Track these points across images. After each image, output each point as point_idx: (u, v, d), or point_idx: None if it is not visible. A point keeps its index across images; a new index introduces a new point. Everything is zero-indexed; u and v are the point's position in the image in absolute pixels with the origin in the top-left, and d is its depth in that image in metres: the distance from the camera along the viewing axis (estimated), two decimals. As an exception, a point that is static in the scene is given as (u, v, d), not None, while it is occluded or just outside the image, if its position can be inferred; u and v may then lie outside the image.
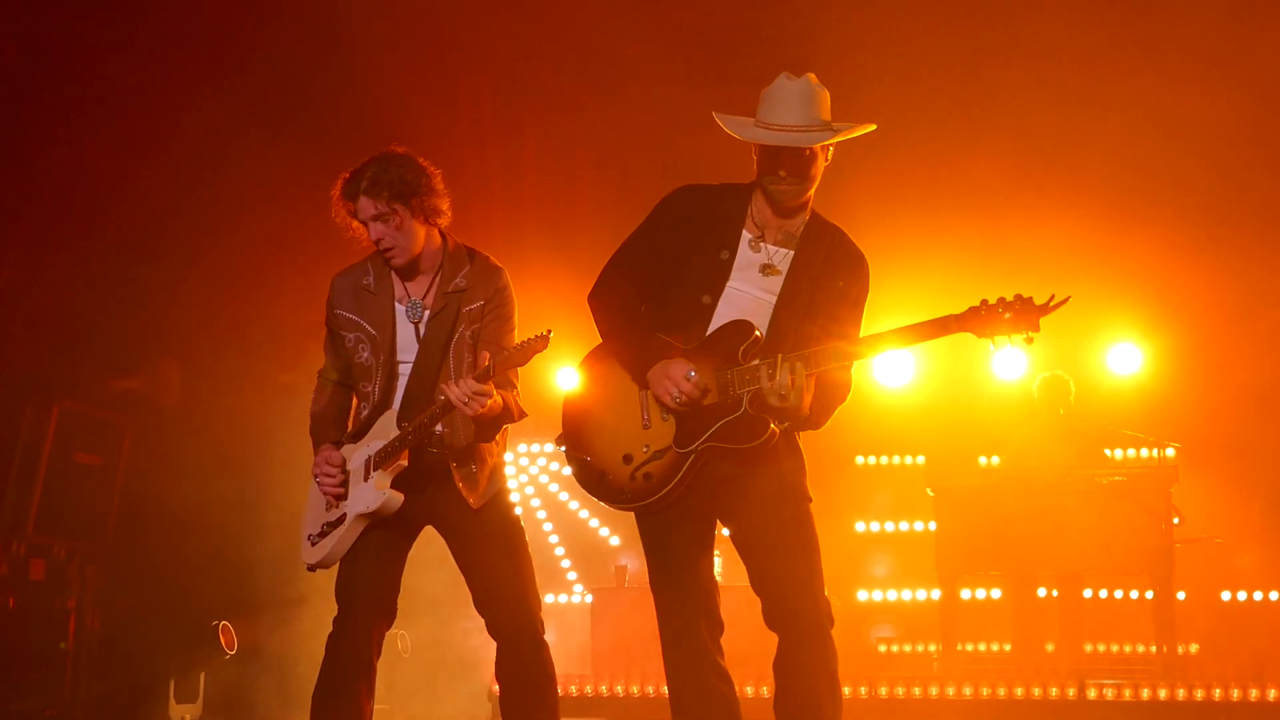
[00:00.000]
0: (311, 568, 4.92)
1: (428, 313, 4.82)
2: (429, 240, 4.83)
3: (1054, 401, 9.07)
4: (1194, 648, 9.00)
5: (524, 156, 10.57)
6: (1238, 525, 9.31)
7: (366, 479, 4.76)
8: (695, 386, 4.23)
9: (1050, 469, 8.58)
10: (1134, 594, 9.50)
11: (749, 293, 4.38)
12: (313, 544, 4.89)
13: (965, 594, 9.34)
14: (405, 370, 4.84)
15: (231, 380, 8.90)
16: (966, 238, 9.23)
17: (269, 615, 8.46)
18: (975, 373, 10.07)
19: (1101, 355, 9.99)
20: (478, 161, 10.17)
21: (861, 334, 4.40)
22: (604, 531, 10.14)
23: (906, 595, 9.94)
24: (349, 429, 4.92)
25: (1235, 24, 8.95)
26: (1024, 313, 4.03)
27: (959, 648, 8.89)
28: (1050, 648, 8.80)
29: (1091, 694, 7.61)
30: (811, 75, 4.34)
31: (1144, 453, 9.69)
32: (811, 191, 4.41)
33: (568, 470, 10.08)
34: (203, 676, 8.29)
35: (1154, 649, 8.49)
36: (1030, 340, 4.04)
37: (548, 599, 9.50)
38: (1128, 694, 7.60)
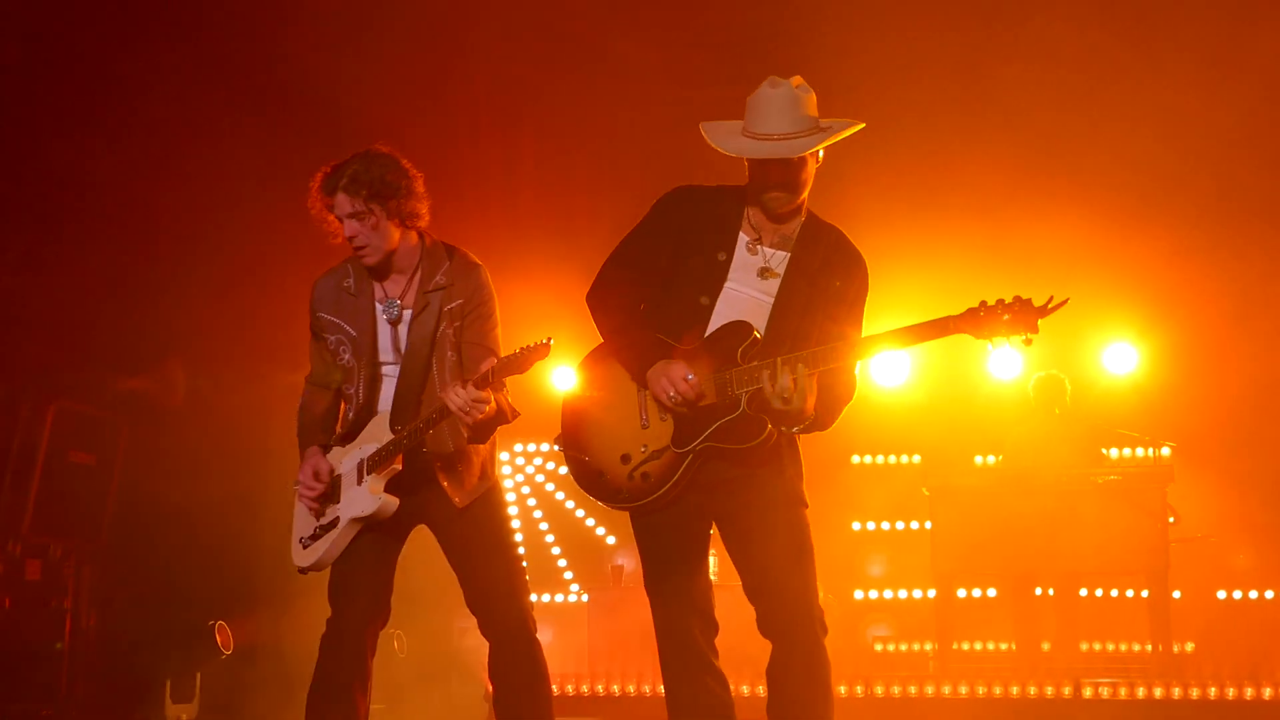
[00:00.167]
0: (303, 570, 4.91)
1: (408, 312, 4.81)
2: (405, 240, 4.81)
3: (1050, 401, 9.07)
4: (1189, 646, 9.00)
5: (522, 156, 10.57)
6: (1233, 524, 9.31)
7: (360, 483, 4.75)
8: (692, 389, 4.23)
9: (1046, 468, 8.58)
10: (1130, 593, 9.50)
11: (747, 294, 4.39)
12: (304, 547, 4.88)
13: (961, 593, 9.34)
14: (390, 372, 4.83)
15: (229, 380, 8.91)
16: (963, 238, 9.23)
17: (265, 615, 8.46)
18: (971, 372, 10.07)
19: (1097, 355, 9.99)
20: (475, 161, 10.17)
21: (861, 334, 4.40)
22: (600, 531, 10.14)
23: (902, 594, 9.94)
24: (337, 432, 4.92)
25: (1232, 26, 8.95)
26: (1022, 314, 4.03)
27: (955, 647, 8.90)
28: (1046, 647, 8.81)
29: (1087, 693, 7.61)
30: (795, 78, 4.32)
31: (1140, 452, 9.69)
32: (804, 195, 4.41)
33: (564, 469, 10.15)
34: (199, 676, 8.28)
35: (1150, 648, 8.50)
36: (1029, 342, 4.04)
37: (544, 598, 9.50)
38: (1123, 693, 7.60)
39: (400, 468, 4.72)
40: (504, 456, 10.00)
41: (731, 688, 4.58)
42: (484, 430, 4.80)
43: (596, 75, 9.95)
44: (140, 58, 8.40)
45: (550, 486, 10.31)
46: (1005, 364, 9.79)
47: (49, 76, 8.26)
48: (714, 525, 4.55)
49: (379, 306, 4.84)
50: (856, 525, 10.22)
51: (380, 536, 4.82)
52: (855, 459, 10.39)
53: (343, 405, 4.94)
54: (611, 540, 10.03)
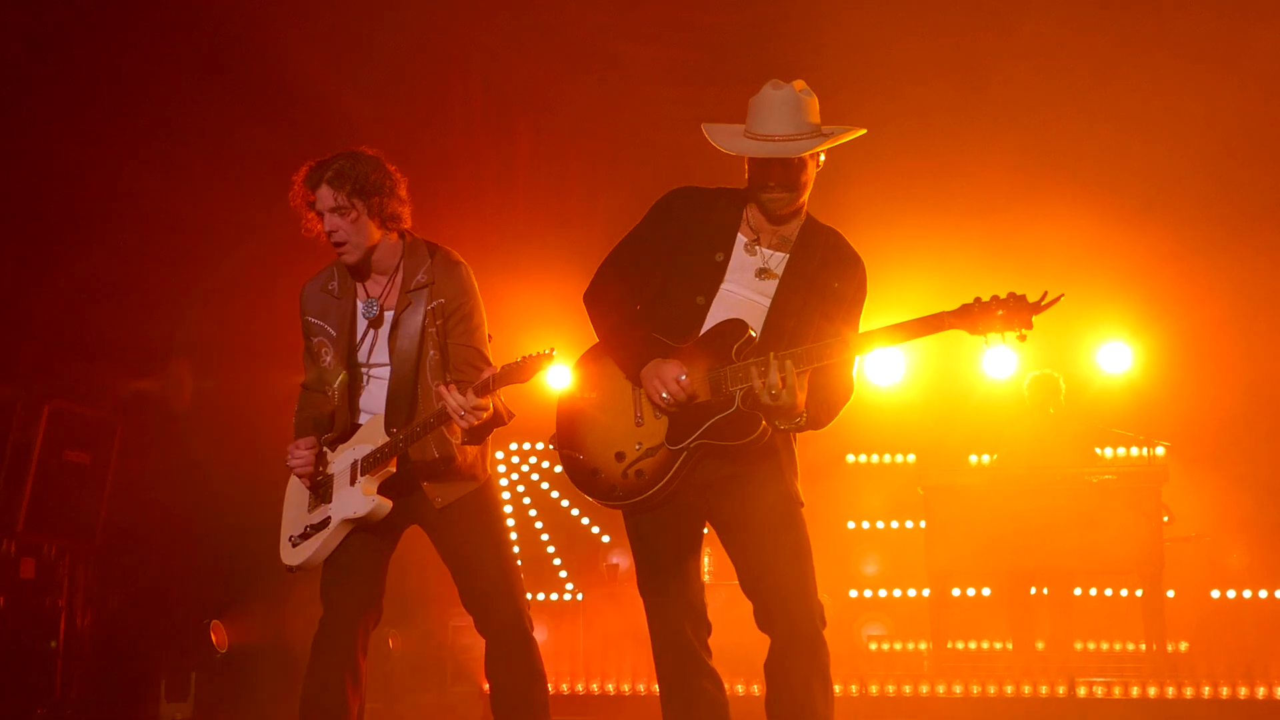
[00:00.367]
0: (291, 570, 4.90)
1: (389, 313, 4.82)
2: (385, 240, 4.82)
3: (1044, 400, 9.07)
4: (1184, 646, 9.01)
5: (517, 155, 10.56)
6: (1227, 524, 9.32)
7: (353, 483, 4.74)
8: (684, 390, 4.24)
9: (1041, 468, 8.59)
10: (1124, 592, 9.52)
11: (743, 294, 4.40)
12: (294, 545, 4.88)
13: (956, 592, 9.35)
14: (379, 374, 4.83)
15: (224, 381, 8.91)
16: (958, 237, 9.24)
17: (260, 614, 8.45)
18: (966, 371, 10.09)
19: (1092, 354, 10.00)
20: (470, 161, 10.17)
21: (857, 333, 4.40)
22: (595, 529, 10.13)
23: (897, 593, 9.95)
24: (329, 436, 4.92)
25: (1227, 26, 8.96)
26: (1017, 310, 4.03)
27: (950, 646, 8.90)
28: (1041, 646, 8.82)
29: (1082, 692, 7.62)
30: (797, 82, 4.34)
31: (1134, 451, 9.70)
32: (804, 198, 4.42)
33: (559, 469, 10.15)
34: (193, 675, 8.28)
35: (1144, 647, 8.50)
36: (1023, 338, 4.04)
37: (539, 597, 9.50)
38: (1118, 692, 7.61)
39: (395, 470, 4.72)
40: (499, 455, 10.00)
41: (726, 687, 4.58)
42: (479, 433, 4.81)
43: (593, 75, 9.96)
44: (142, 57, 8.40)
45: (545, 485, 10.31)
46: (1000, 363, 9.80)
47: (52, 77, 8.26)
48: (708, 525, 4.54)
49: (359, 306, 4.85)
50: (851, 524, 10.23)
51: (372, 536, 4.82)
52: (850, 458, 10.40)
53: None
54: (607, 539, 10.03)
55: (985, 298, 4.07)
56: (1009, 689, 7.71)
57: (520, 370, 4.40)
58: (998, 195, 9.47)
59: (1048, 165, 9.39)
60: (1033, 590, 8.89)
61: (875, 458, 10.44)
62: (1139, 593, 8.69)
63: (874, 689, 7.81)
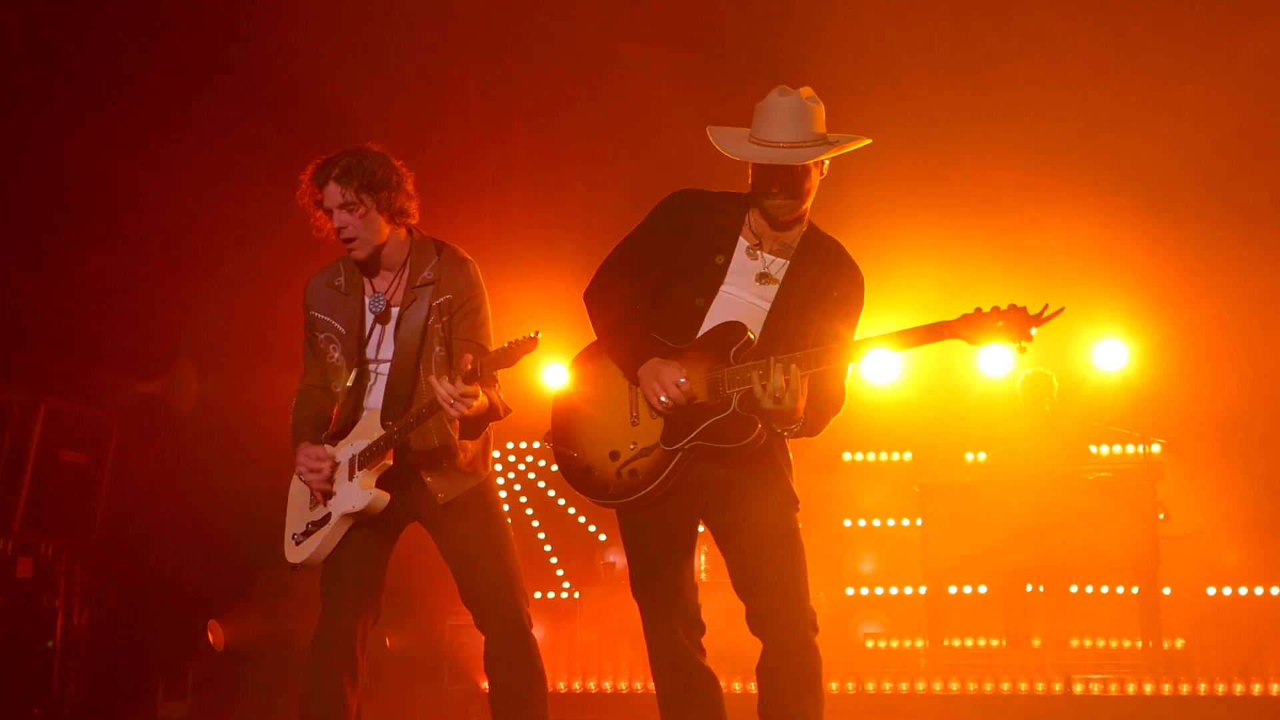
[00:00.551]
0: (295, 567, 4.91)
1: (396, 309, 4.83)
2: (393, 236, 4.83)
3: (1037, 398, 9.08)
4: (1180, 643, 9.02)
5: (513, 155, 10.57)
6: (1223, 521, 9.33)
7: (351, 478, 4.76)
8: (683, 393, 4.24)
9: (1037, 465, 8.60)
10: (1120, 589, 9.52)
11: (743, 298, 4.39)
12: (297, 543, 4.89)
13: (952, 590, 9.35)
14: (381, 370, 4.84)
15: (220, 380, 8.91)
16: (955, 236, 9.24)
17: (257, 612, 8.46)
18: (962, 370, 10.09)
19: (1088, 351, 10.01)
20: (467, 160, 10.17)
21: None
22: (592, 528, 10.14)
23: (894, 591, 9.95)
24: (329, 431, 4.92)
25: (1224, 23, 8.97)
26: (1017, 322, 4.04)
27: (946, 643, 8.91)
28: (1037, 643, 8.83)
29: (1078, 689, 7.64)
30: (804, 89, 4.34)
31: (1130, 449, 9.71)
32: (806, 205, 4.42)
33: (556, 467, 10.16)
34: (190, 674, 8.28)
35: (1140, 644, 8.52)
36: (1023, 350, 4.06)
37: (535, 595, 9.50)
38: (1114, 689, 7.62)
39: (391, 463, 4.73)
40: (495, 454, 10.01)
41: (722, 686, 4.59)
42: (475, 426, 4.81)
43: (591, 75, 9.96)
44: (146, 60, 8.42)
45: (542, 484, 10.32)
46: (996, 362, 9.80)
47: (56, 78, 8.27)
48: (703, 525, 4.55)
49: (367, 302, 4.85)
50: (848, 522, 10.23)
51: (372, 533, 4.83)
52: (846, 456, 10.40)
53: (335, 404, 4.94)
54: (603, 538, 10.04)
55: (986, 308, 4.07)
56: (1005, 686, 7.73)
57: (505, 355, 4.42)
58: (995, 195, 9.48)
59: (1045, 165, 9.40)
60: (1029, 587, 8.90)
61: (871, 456, 10.45)
62: (1135, 590, 8.70)
63: (870, 686, 7.83)
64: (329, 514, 4.79)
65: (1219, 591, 9.33)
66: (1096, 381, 9.99)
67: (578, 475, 4.46)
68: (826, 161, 4.38)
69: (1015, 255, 9.10)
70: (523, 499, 10.26)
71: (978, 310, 4.08)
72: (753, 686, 4.47)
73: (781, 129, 4.27)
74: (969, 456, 9.80)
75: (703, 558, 8.53)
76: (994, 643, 9.34)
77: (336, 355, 4.87)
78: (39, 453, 7.98)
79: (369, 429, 4.76)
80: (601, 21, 9.51)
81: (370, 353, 4.86)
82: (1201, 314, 9.64)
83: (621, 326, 4.44)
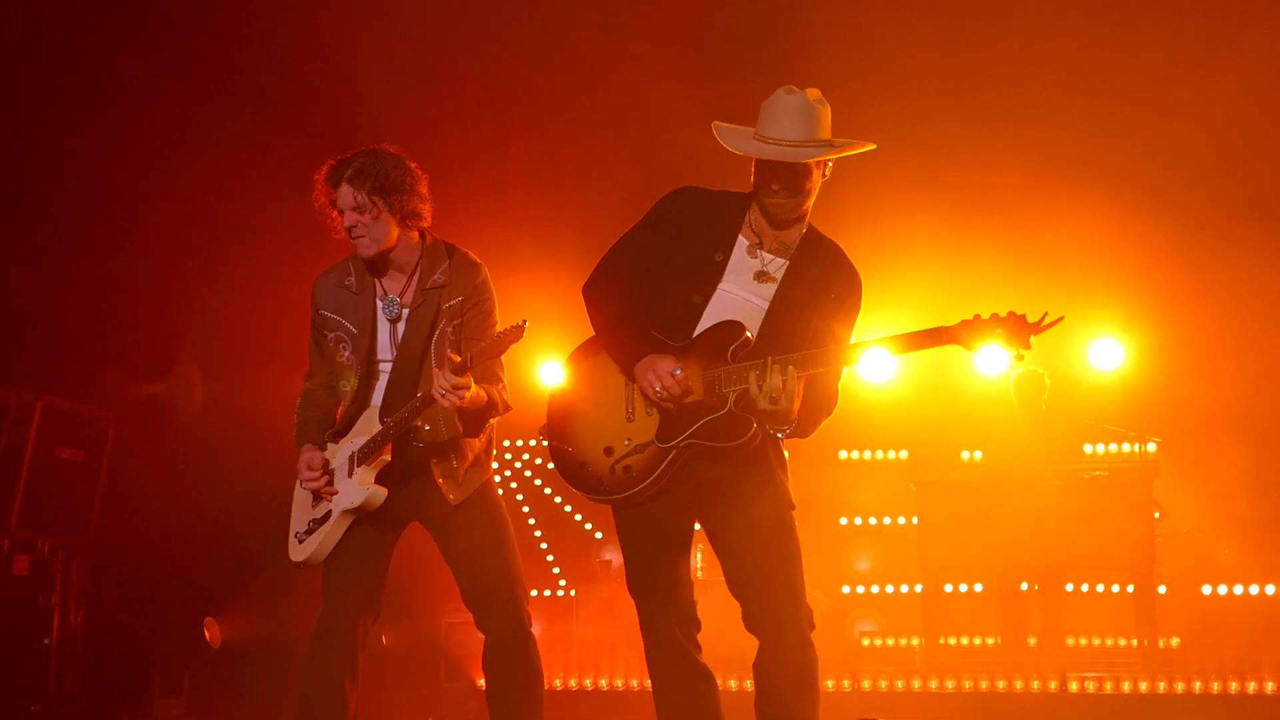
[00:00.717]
0: (298, 565, 4.93)
1: (406, 310, 4.84)
2: (405, 238, 4.84)
3: (1029, 398, 9.08)
4: (1175, 641, 9.03)
5: (510, 153, 10.57)
6: (1218, 519, 9.34)
7: (350, 475, 4.77)
8: (679, 383, 4.25)
9: (1033, 464, 8.61)
10: (1115, 588, 9.53)
11: (740, 296, 4.40)
12: (300, 541, 4.91)
13: (948, 588, 9.37)
14: (386, 369, 4.86)
15: (218, 378, 8.91)
16: (949, 236, 9.25)
17: (253, 610, 8.46)
18: (958, 368, 10.10)
19: (1084, 350, 10.02)
20: (464, 158, 10.17)
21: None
22: (588, 526, 10.15)
23: (890, 589, 9.97)
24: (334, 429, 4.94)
25: (1220, 23, 8.98)
26: (1016, 330, 4.05)
27: (941, 641, 8.92)
28: (1032, 641, 8.84)
29: (1073, 687, 7.65)
30: (812, 90, 4.35)
31: (1125, 447, 9.73)
32: (807, 205, 4.43)
33: (552, 465, 10.17)
34: (187, 672, 8.28)
35: (1135, 642, 8.53)
36: (1020, 358, 4.08)
37: (531, 593, 9.50)
38: (1109, 687, 7.64)
39: (389, 458, 4.74)
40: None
41: (719, 683, 4.60)
42: (475, 421, 4.83)
43: (587, 73, 9.96)
44: (148, 60, 8.42)
45: (539, 482, 10.33)
46: (992, 361, 9.81)
47: (58, 78, 8.27)
48: (702, 527, 4.55)
49: (379, 304, 4.86)
50: (844, 520, 10.25)
51: (374, 531, 4.84)
52: (842, 454, 10.42)
53: (340, 403, 4.95)
54: (600, 535, 10.05)
55: (985, 315, 4.08)
56: (1001, 684, 7.74)
57: (493, 345, 4.46)
58: (991, 195, 9.48)
59: (1042, 165, 9.40)
60: (1025, 586, 8.92)
61: (868, 454, 10.47)
62: (1130, 588, 8.71)
63: (866, 684, 7.84)
64: (329, 511, 4.81)
65: (1214, 590, 9.34)
66: (1092, 380, 10.01)
67: (572, 470, 4.47)
68: (829, 163, 4.38)
69: (1012, 255, 9.11)
70: (519, 497, 10.27)
71: (976, 316, 4.09)
72: (749, 684, 4.48)
73: (787, 127, 4.29)
74: (965, 455, 9.81)
75: (699, 556, 8.55)
76: (990, 641, 9.36)
77: (347, 355, 4.88)
78: (35, 450, 7.97)
79: (368, 426, 4.78)
80: (599, 20, 9.51)
81: (382, 354, 4.87)
82: (1197, 313, 9.65)
83: (619, 323, 4.45)
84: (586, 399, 4.51)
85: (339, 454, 4.83)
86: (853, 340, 4.45)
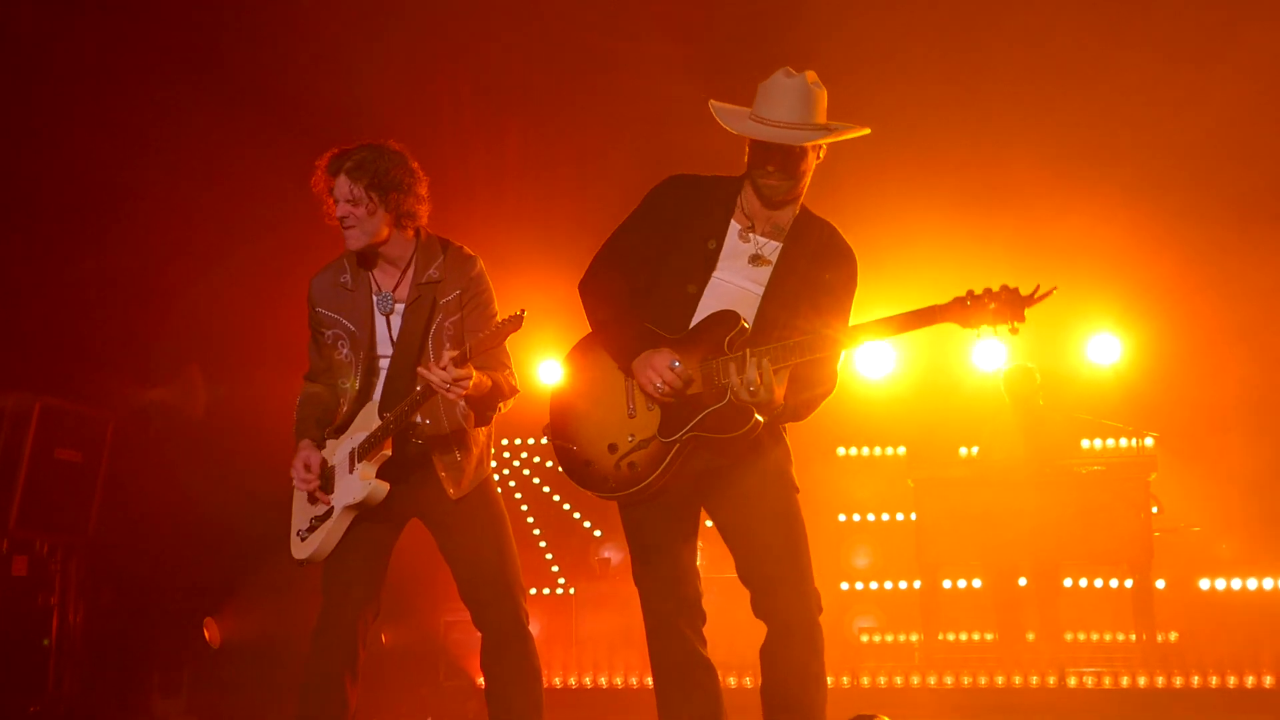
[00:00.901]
0: (301, 563, 4.93)
1: (401, 305, 4.84)
2: (399, 235, 4.84)
3: (1019, 392, 9.06)
4: (1173, 636, 9.04)
5: (506, 149, 10.57)
6: (1216, 514, 9.36)
7: (351, 471, 4.78)
8: (678, 376, 4.25)
9: (1031, 460, 8.61)
10: (1113, 583, 9.54)
11: (735, 283, 4.40)
12: (302, 539, 4.91)
13: (946, 584, 9.38)
14: (385, 365, 4.86)
15: (217, 376, 8.92)
16: (946, 231, 9.25)
17: (253, 610, 8.46)
18: (956, 364, 10.11)
19: (1081, 346, 10.03)
20: (460, 154, 10.17)
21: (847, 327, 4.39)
22: (587, 524, 10.16)
23: (888, 585, 9.97)
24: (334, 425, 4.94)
25: (1219, 18, 8.99)
26: (1009, 303, 4.04)
27: (940, 637, 8.93)
28: (1030, 637, 8.85)
29: (1072, 682, 7.66)
30: (810, 73, 4.35)
31: (1123, 442, 9.74)
32: (802, 187, 4.43)
33: (551, 463, 10.18)
34: (186, 671, 8.28)
35: (1133, 637, 8.54)
36: (1015, 331, 4.05)
37: (530, 591, 9.49)
38: (1107, 682, 7.65)
39: (390, 453, 4.74)
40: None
41: (720, 678, 4.60)
42: (484, 407, 4.84)
43: (581, 68, 9.96)
44: (146, 57, 8.42)
45: (537, 480, 10.34)
46: (990, 356, 9.82)
47: (56, 76, 8.27)
48: (709, 518, 4.56)
49: (374, 299, 4.87)
50: (842, 517, 10.25)
51: (374, 528, 4.85)
52: (841, 451, 10.42)
53: (341, 400, 4.95)
54: (598, 533, 10.06)
55: (978, 291, 4.08)
56: (999, 680, 7.75)
57: (492, 335, 4.46)
58: (989, 190, 9.48)
59: (1039, 160, 9.39)
60: (1022, 581, 8.92)
61: (865, 450, 10.47)
62: (1128, 583, 8.72)
63: (865, 680, 7.85)
64: (331, 508, 4.81)
65: (1212, 585, 9.35)
66: (1090, 376, 10.02)
67: (577, 469, 4.47)
68: (824, 146, 4.38)
69: (1009, 251, 9.10)
70: (518, 495, 10.28)
71: (969, 293, 4.09)
72: (748, 681, 4.49)
73: (784, 109, 4.29)
74: (963, 451, 9.82)
75: (700, 551, 8.55)
76: (988, 637, 9.36)
77: (345, 352, 4.89)
78: (34, 451, 7.97)
79: (367, 421, 4.78)
80: (597, 18, 9.50)
81: (379, 349, 4.87)
82: (1195, 309, 9.66)
83: (616, 319, 4.45)
84: (588, 397, 4.51)
85: (339, 450, 4.83)
86: (850, 317, 4.44)
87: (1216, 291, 9.61)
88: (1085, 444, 9.78)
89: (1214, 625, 9.03)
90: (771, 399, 4.18)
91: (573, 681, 8.24)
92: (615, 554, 9.55)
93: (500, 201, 10.35)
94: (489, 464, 5.00)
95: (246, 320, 8.50)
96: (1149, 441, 9.24)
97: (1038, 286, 4.04)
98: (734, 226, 4.44)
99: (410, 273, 4.86)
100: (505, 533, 4.94)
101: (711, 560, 8.53)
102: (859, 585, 10.03)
